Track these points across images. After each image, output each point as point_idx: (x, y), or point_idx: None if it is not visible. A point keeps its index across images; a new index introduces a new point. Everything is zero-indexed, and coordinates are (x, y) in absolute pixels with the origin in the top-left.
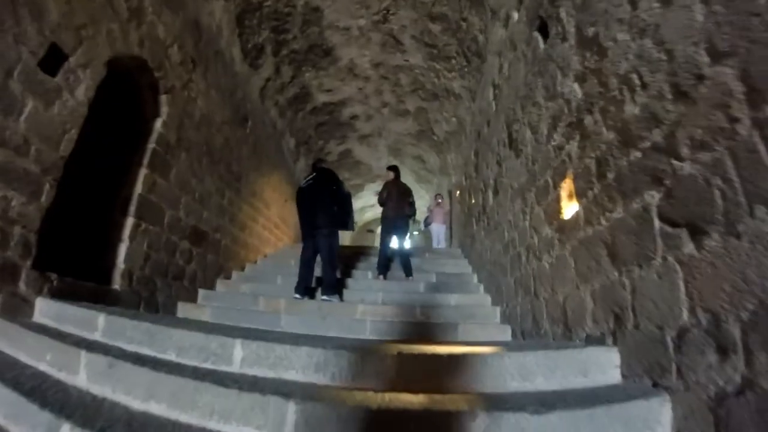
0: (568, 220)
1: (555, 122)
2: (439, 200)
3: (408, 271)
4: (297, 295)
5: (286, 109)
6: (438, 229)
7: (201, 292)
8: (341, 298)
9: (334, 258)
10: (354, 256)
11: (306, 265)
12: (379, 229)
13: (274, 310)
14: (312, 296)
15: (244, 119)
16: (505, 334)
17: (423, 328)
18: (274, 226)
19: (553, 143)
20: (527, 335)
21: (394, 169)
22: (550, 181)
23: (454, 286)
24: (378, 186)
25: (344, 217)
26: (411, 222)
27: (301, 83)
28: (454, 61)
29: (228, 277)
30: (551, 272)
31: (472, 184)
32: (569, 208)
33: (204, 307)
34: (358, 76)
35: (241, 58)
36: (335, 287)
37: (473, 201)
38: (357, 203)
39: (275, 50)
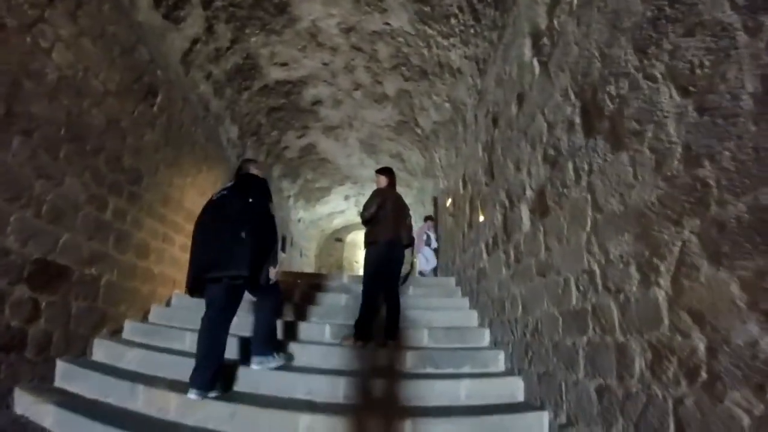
0: None
1: None
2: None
3: (392, 330)
4: (192, 395)
5: (224, 86)
6: (427, 253)
7: (61, 365)
8: None
9: (217, 346)
10: (306, 291)
11: (211, 340)
12: (359, 257)
13: (160, 410)
14: (225, 389)
15: (149, 92)
16: None
17: None
18: None
19: None
20: None
21: (386, 172)
22: None
23: (459, 356)
24: (349, 189)
25: (262, 249)
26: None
27: (246, 51)
28: (454, 21)
29: (117, 331)
30: None
31: (481, 193)
32: None
33: (50, 401)
34: (322, 45)
35: (149, 1)
36: (269, 347)
37: (482, 218)
38: (323, 209)
39: None
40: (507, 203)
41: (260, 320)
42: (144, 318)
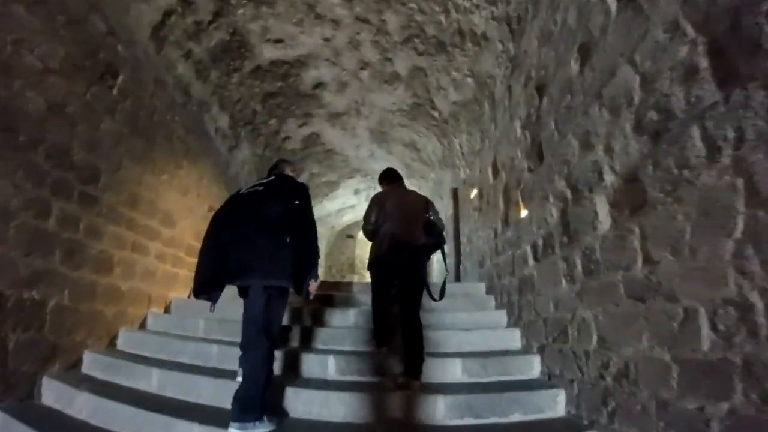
0: None
1: None
2: None
3: (415, 367)
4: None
5: (208, 67)
6: None
7: None
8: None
9: (266, 347)
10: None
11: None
12: (365, 262)
13: None
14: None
15: (107, 71)
16: None
17: None
18: (187, 252)
19: None
20: None
21: (385, 177)
22: None
23: (505, 400)
24: (359, 183)
25: (304, 260)
26: (434, 258)
27: (232, 25)
28: None
29: (76, 364)
30: None
31: (521, 182)
32: None
33: None
34: (322, 17)
35: None
36: (256, 407)
37: (525, 213)
38: (332, 205)
39: None
40: (568, 194)
41: (250, 366)
42: (111, 345)
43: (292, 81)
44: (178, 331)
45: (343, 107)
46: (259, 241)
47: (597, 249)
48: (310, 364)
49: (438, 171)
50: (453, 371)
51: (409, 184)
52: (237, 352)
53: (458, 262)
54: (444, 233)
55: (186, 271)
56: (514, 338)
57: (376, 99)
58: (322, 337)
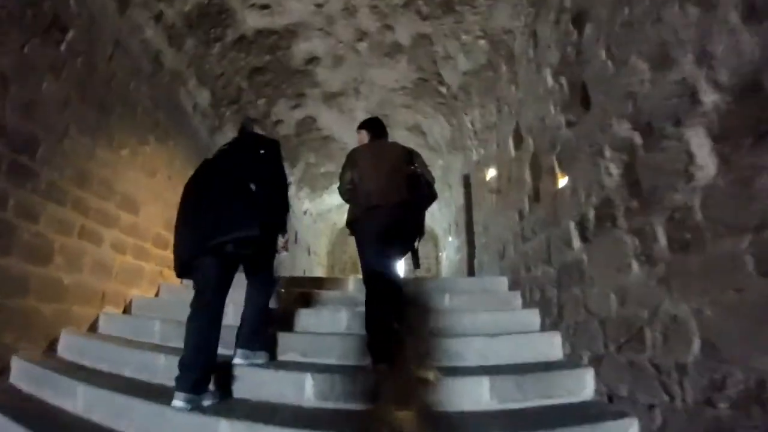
0: None
1: None
2: None
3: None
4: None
5: (184, 34)
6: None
7: None
8: None
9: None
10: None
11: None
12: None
13: None
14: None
15: (54, 24)
16: None
17: None
18: (154, 243)
19: None
20: None
21: (367, 125)
22: None
23: None
24: None
25: (272, 212)
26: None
27: None
28: None
29: (2, 372)
30: None
31: (557, 144)
32: None
33: None
34: None
35: None
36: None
37: (565, 181)
38: (332, 199)
39: None
40: (636, 139)
41: (252, 306)
42: (51, 350)
43: (281, 54)
44: (132, 336)
45: (340, 86)
46: (227, 199)
47: (696, 208)
48: (282, 385)
49: (446, 156)
50: (478, 394)
51: None
52: None
53: (471, 255)
54: (434, 187)
55: (153, 265)
56: (552, 345)
57: (376, 76)
58: (302, 346)
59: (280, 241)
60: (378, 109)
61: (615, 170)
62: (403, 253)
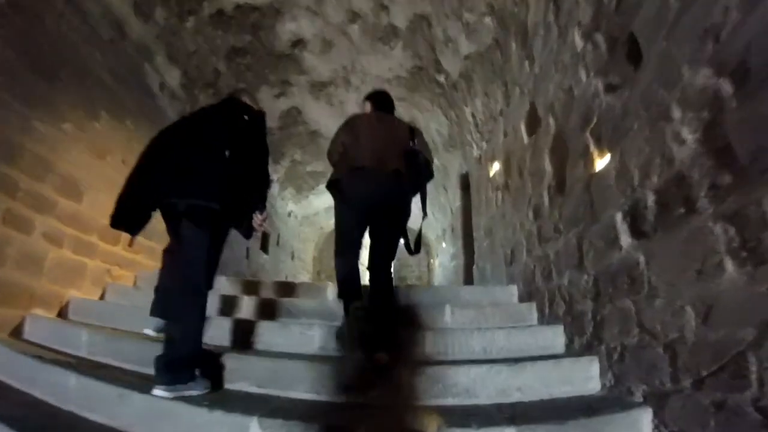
0: None
1: None
2: None
3: (383, 333)
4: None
5: (153, 3)
6: None
7: None
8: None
9: (200, 282)
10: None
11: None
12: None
13: None
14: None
15: None
16: None
17: None
18: (101, 236)
19: None
20: None
21: (374, 97)
22: None
23: None
24: None
25: (249, 184)
26: (418, 200)
27: None
28: None
29: None
30: None
31: (591, 118)
32: None
33: None
34: None
35: None
36: (189, 365)
37: (600, 166)
38: (320, 201)
39: None
40: (725, 89)
41: (177, 318)
42: None
43: (264, 35)
44: (59, 345)
45: (329, 74)
46: (195, 159)
47: None
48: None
49: (443, 155)
50: None
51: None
52: (115, 392)
53: (470, 262)
54: (432, 167)
55: (99, 263)
56: (588, 375)
57: (368, 64)
58: (258, 373)
59: (257, 218)
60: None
61: (689, 135)
62: (390, 235)
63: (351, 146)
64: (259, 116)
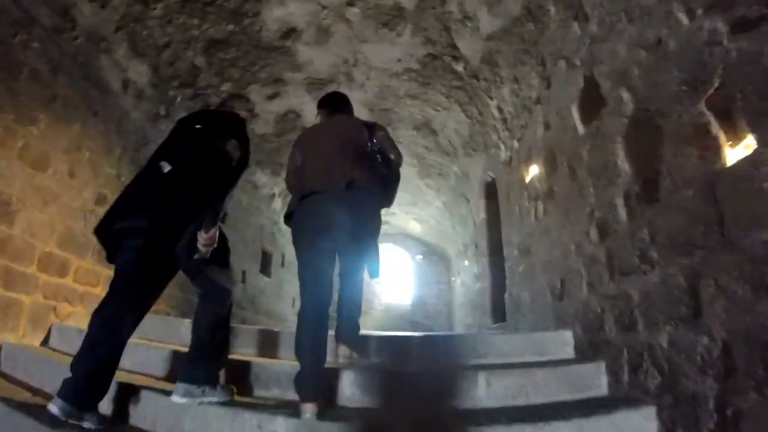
0: None
1: None
2: None
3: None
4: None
5: None
6: None
7: None
8: None
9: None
10: None
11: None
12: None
13: None
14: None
15: None
16: None
17: None
18: (42, 266)
19: None
20: None
21: (323, 101)
22: None
23: None
24: None
25: (181, 199)
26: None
27: None
28: None
29: None
30: None
31: (717, 76)
32: None
33: None
34: None
35: None
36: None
37: (726, 158)
38: None
39: None
40: None
41: (199, 329)
42: None
43: (248, 24)
44: None
45: (328, 70)
46: (138, 177)
47: None
48: None
49: (462, 160)
50: None
51: (424, 185)
52: None
53: (500, 287)
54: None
55: (41, 299)
56: None
57: (373, 55)
58: None
59: (201, 237)
60: (377, 100)
61: None
62: (356, 259)
63: (303, 167)
64: (224, 121)
